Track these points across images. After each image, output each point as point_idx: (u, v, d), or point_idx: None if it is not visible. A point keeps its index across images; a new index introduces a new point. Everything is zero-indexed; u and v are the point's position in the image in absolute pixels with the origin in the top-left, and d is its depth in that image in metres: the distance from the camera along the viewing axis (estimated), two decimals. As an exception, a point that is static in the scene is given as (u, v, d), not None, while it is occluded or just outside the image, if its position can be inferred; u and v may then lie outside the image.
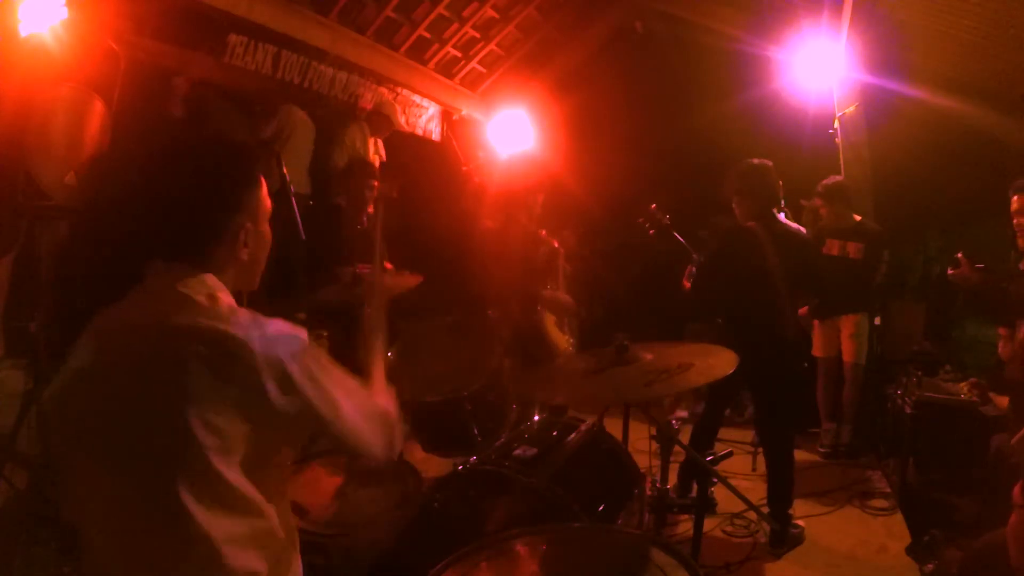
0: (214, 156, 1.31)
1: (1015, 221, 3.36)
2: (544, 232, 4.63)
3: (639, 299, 6.55)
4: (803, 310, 4.74)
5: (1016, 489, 2.06)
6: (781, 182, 3.52)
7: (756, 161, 3.50)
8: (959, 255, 3.48)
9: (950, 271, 3.50)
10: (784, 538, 3.37)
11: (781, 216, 3.65)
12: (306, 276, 4.13)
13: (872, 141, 5.15)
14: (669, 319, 5.98)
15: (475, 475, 2.27)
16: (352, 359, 4.01)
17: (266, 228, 1.37)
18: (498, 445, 2.53)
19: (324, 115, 5.00)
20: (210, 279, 1.25)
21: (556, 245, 4.89)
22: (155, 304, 1.21)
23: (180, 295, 1.21)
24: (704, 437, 3.67)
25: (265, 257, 1.39)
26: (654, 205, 4.07)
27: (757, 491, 3.61)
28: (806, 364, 4.82)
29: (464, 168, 6.52)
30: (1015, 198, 3.35)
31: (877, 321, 4.87)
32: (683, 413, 4.88)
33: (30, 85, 2.93)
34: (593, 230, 6.57)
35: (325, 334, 4.39)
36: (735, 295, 3.50)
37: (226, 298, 1.26)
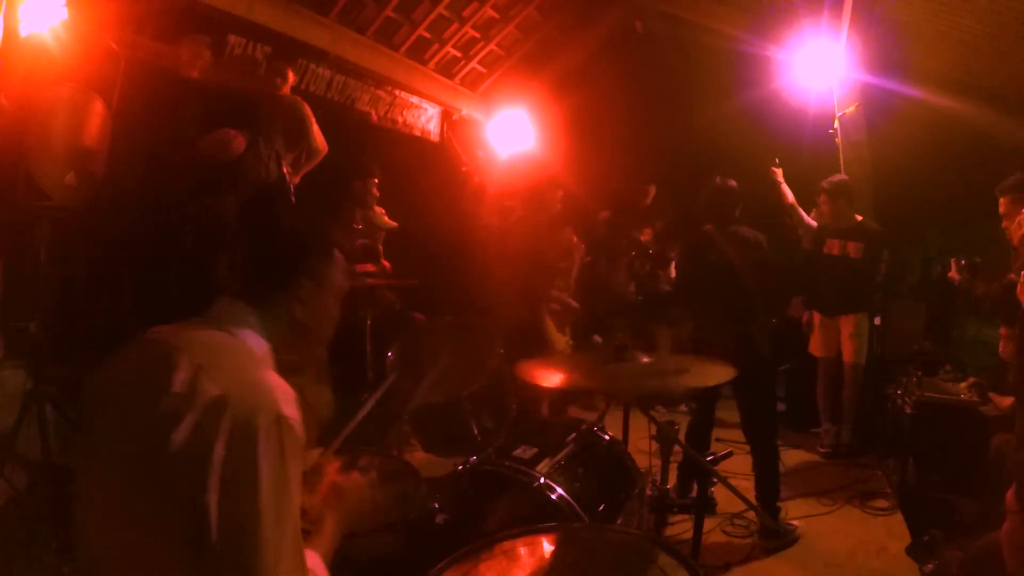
0: (304, 222, 1.42)
1: (1003, 224, 3.36)
2: (567, 229, 4.65)
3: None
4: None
5: (1009, 495, 2.06)
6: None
7: (719, 180, 3.72)
8: (952, 261, 3.51)
9: (952, 275, 3.52)
10: (777, 532, 3.38)
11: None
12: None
13: (872, 141, 5.15)
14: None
15: (475, 475, 2.27)
16: (350, 359, 4.01)
17: (333, 304, 1.42)
18: (498, 445, 2.53)
19: (321, 116, 4.99)
20: (250, 318, 1.30)
21: (575, 240, 4.88)
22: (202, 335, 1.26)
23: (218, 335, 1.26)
24: (698, 437, 3.69)
25: (328, 331, 1.45)
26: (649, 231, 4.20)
27: (757, 491, 3.61)
28: (786, 362, 4.87)
29: (464, 168, 6.52)
30: (1002, 200, 3.34)
31: (877, 321, 4.87)
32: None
33: (30, 85, 2.93)
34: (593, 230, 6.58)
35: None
36: (705, 292, 3.63)
37: (258, 348, 1.29)
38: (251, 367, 1.21)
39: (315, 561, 1.28)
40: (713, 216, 3.69)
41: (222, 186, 3.62)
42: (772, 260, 3.74)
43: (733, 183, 3.71)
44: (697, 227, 3.78)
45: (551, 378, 2.28)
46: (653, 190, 6.27)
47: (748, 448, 4.12)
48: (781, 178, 4.78)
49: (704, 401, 3.79)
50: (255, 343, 1.29)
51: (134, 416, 1.14)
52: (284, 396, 1.17)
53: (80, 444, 1.22)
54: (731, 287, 3.52)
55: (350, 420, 1.90)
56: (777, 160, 4.81)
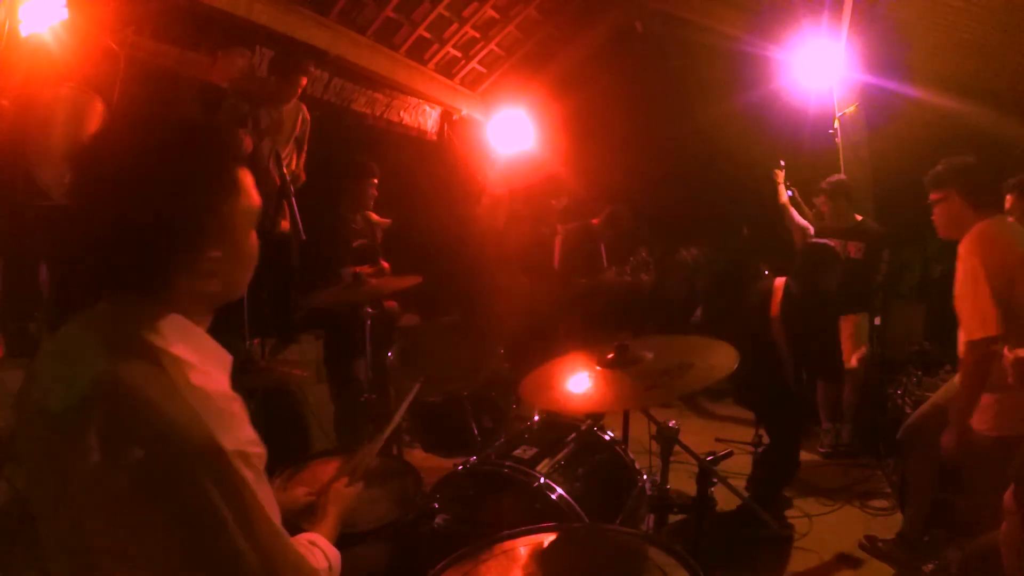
0: (174, 165, 1.01)
1: (1009, 220, 3.35)
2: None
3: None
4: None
5: (1007, 495, 2.06)
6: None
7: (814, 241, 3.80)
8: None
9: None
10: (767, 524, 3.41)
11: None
12: (305, 277, 4.14)
13: (872, 141, 5.15)
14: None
15: (475, 475, 2.27)
16: (348, 360, 3.99)
17: (248, 239, 1.11)
18: (498, 445, 2.53)
19: (320, 116, 4.99)
20: (156, 318, 1.03)
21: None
22: (89, 338, 1.04)
23: (111, 335, 1.01)
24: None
25: (251, 268, 1.15)
26: (645, 252, 4.23)
27: (757, 491, 3.61)
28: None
29: (465, 168, 6.52)
30: (1009, 197, 3.35)
31: (877, 321, 4.87)
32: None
33: (30, 85, 2.93)
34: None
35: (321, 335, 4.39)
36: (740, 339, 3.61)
37: (183, 352, 1.02)
38: (169, 400, 0.95)
39: (318, 539, 1.31)
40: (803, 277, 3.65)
41: None
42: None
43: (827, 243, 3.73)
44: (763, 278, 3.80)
45: (555, 403, 2.27)
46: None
47: (748, 448, 4.13)
48: (781, 179, 4.79)
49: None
50: (177, 346, 1.02)
51: (57, 478, 0.98)
52: (220, 422, 0.97)
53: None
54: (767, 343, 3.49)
55: (382, 429, 1.92)
56: (782, 163, 4.81)
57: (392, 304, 4.24)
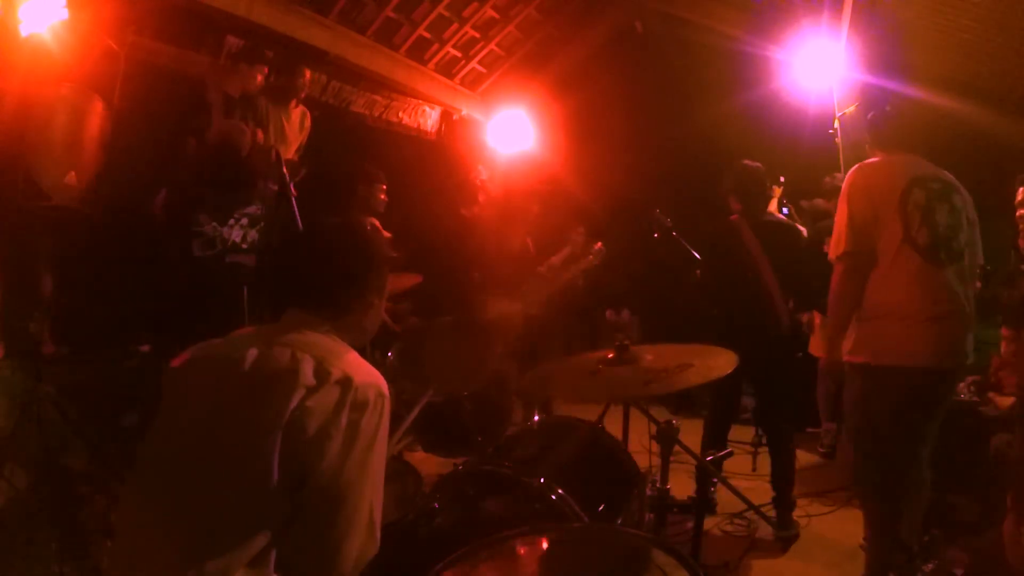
0: (372, 244, 1.64)
1: (1018, 213, 3.36)
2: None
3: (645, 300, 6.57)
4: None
5: (1010, 495, 2.06)
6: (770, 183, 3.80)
7: (748, 163, 3.70)
8: None
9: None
10: (789, 522, 3.45)
11: (782, 213, 3.76)
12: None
13: (872, 141, 5.14)
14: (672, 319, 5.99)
15: (475, 475, 2.27)
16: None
17: (385, 296, 1.67)
18: (498, 445, 2.53)
19: (319, 117, 4.99)
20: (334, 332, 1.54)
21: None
22: (291, 335, 1.47)
23: (310, 335, 1.48)
24: (714, 435, 3.71)
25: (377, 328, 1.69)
26: (658, 209, 4.15)
27: (757, 491, 3.61)
28: (800, 355, 4.84)
29: (466, 168, 6.52)
30: (1021, 190, 3.34)
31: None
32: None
33: (30, 85, 2.93)
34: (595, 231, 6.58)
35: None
36: (726, 288, 3.63)
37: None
38: (355, 356, 1.48)
39: None
40: (743, 201, 3.63)
41: (240, 183, 3.58)
42: (805, 250, 3.73)
43: (759, 164, 3.69)
44: (720, 217, 3.75)
45: (555, 390, 2.27)
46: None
47: (748, 448, 4.15)
48: (777, 195, 4.80)
49: (721, 397, 3.78)
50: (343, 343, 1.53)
51: (267, 412, 1.33)
52: (381, 378, 1.46)
53: (169, 428, 1.45)
54: (751, 285, 3.50)
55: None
56: (781, 179, 4.82)
57: (404, 306, 4.24)
